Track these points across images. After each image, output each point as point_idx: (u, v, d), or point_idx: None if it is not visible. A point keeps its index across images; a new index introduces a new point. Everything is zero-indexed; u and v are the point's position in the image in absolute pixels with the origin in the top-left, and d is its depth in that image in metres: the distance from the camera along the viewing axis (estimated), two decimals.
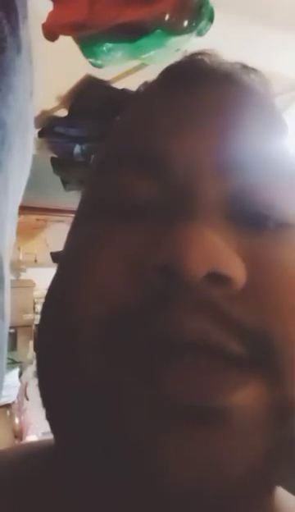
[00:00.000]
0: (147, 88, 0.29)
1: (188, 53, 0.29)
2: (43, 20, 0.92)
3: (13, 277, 2.41)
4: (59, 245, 0.27)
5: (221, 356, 0.19)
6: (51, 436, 0.24)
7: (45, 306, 0.24)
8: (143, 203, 0.23)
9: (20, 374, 2.28)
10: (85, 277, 0.22)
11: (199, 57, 0.28)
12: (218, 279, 0.19)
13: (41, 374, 0.23)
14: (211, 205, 0.22)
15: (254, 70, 0.28)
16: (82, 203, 0.27)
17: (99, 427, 0.20)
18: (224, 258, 0.20)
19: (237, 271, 0.20)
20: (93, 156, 0.29)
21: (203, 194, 0.22)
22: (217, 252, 0.19)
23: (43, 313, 0.24)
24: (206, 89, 0.25)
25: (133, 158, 0.24)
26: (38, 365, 0.24)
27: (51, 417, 0.23)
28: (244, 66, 0.28)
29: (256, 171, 0.23)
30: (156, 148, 0.23)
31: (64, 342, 0.21)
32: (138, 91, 0.29)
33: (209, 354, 0.19)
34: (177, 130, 0.24)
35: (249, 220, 0.22)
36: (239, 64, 0.28)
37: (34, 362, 0.25)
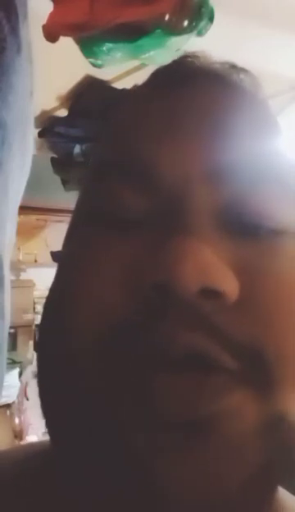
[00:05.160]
0: (137, 90, 0.28)
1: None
2: (43, 20, 0.91)
3: (13, 277, 2.40)
4: (59, 245, 0.27)
5: (213, 368, 0.19)
6: None
7: (45, 309, 0.24)
8: (135, 214, 0.22)
9: (20, 374, 2.28)
10: (82, 287, 0.22)
11: (189, 59, 0.28)
12: (211, 294, 0.19)
13: (40, 375, 0.23)
14: (203, 216, 0.21)
15: (244, 70, 0.27)
16: (77, 209, 0.27)
17: (95, 435, 0.20)
18: (216, 274, 0.20)
19: (229, 285, 0.20)
20: (89, 159, 0.28)
21: (194, 204, 0.21)
22: (209, 267, 0.19)
23: (44, 315, 0.24)
24: (195, 91, 0.25)
25: (122, 169, 0.23)
26: (38, 367, 0.24)
27: (48, 420, 0.23)
28: (233, 66, 0.27)
29: (248, 177, 0.22)
30: (144, 159, 0.23)
31: (62, 348, 0.21)
32: (128, 93, 0.29)
33: (202, 366, 0.19)
34: (165, 137, 0.23)
35: (242, 229, 0.22)
36: (228, 64, 0.27)
37: (34, 362, 0.25)
